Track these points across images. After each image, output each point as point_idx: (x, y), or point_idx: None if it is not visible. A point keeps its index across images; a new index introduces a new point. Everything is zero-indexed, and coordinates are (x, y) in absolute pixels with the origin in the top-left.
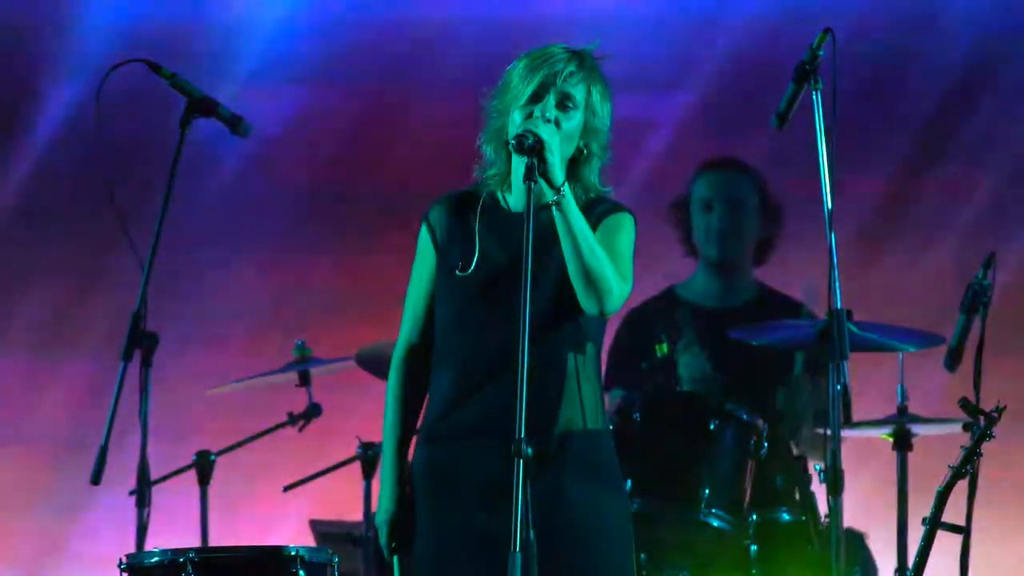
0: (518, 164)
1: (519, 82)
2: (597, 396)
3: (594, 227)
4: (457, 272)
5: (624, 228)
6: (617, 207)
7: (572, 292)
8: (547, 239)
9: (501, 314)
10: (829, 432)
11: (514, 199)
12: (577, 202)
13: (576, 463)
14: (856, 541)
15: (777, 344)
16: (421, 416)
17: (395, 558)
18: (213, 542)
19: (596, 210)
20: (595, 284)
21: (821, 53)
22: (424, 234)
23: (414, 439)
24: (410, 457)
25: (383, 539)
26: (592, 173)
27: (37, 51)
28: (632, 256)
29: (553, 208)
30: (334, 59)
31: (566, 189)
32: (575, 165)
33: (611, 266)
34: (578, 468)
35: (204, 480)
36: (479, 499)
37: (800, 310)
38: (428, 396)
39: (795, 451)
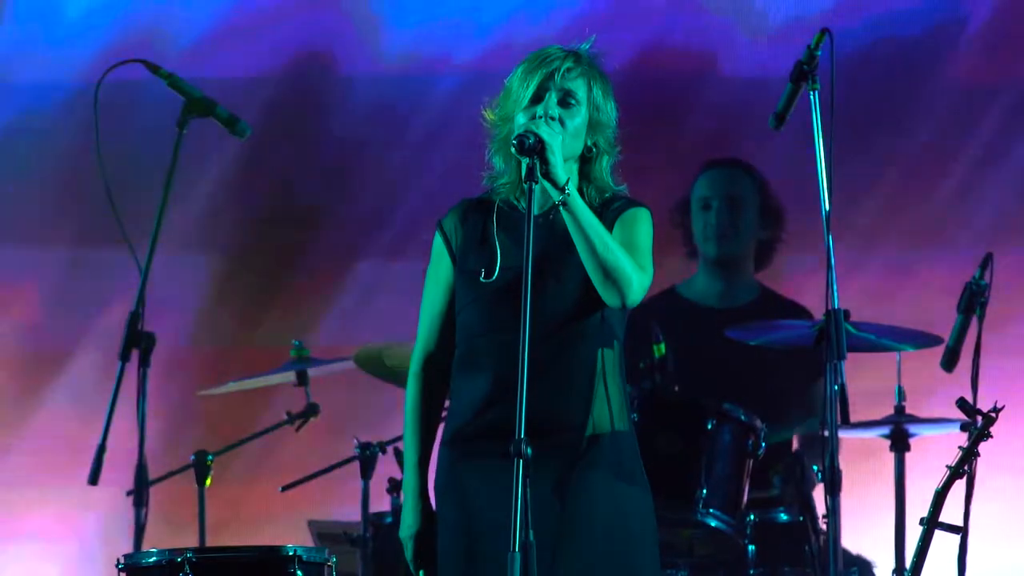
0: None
1: (519, 86)
2: (623, 395)
3: (611, 224)
4: (481, 279)
5: (640, 221)
6: (632, 203)
7: (595, 288)
8: (567, 237)
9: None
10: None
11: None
12: (592, 202)
13: (604, 465)
14: (864, 570)
15: (776, 344)
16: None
17: (421, 573)
18: (211, 542)
19: (611, 207)
20: (613, 277)
21: (819, 53)
22: (439, 242)
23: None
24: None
25: (409, 555)
26: (604, 170)
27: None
28: (651, 248)
29: (560, 208)
30: (342, 58)
31: (571, 188)
32: (586, 164)
33: (627, 258)
34: (606, 470)
35: (202, 480)
36: (507, 498)
37: (805, 315)
38: (451, 401)
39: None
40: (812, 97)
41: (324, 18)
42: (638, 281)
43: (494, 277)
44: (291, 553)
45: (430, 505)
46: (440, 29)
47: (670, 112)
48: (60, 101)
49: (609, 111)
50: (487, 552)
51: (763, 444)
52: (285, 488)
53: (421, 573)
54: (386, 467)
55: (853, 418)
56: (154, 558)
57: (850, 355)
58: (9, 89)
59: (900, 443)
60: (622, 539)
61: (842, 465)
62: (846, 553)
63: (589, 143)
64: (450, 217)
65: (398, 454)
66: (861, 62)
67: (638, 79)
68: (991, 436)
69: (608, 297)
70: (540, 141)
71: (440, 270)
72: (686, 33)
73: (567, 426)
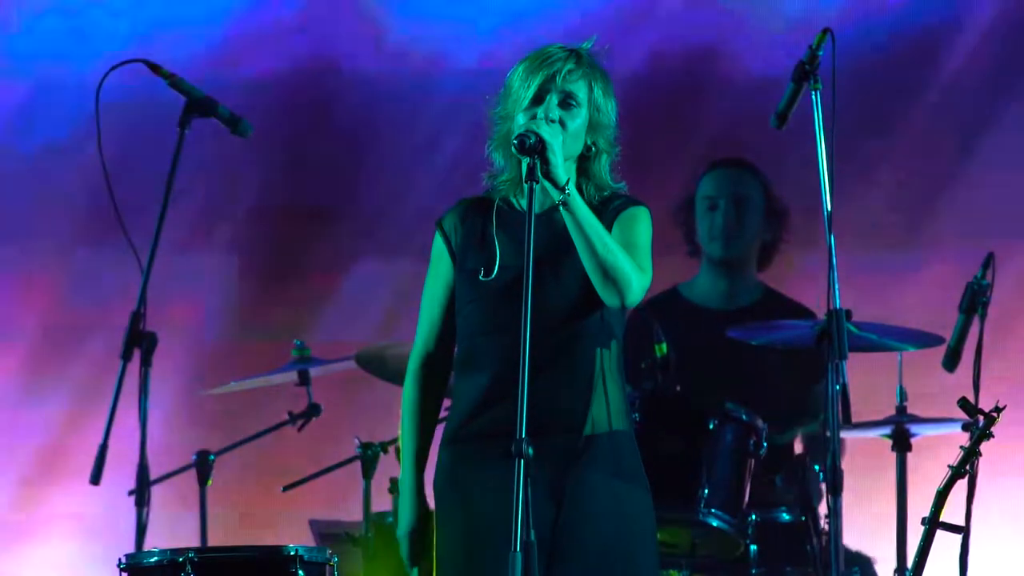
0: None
1: (520, 86)
2: (622, 395)
3: (610, 223)
4: (480, 277)
5: (640, 221)
6: (631, 201)
7: (595, 288)
8: (566, 236)
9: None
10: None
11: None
12: (591, 200)
13: (604, 464)
14: (864, 567)
15: (777, 344)
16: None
17: (415, 570)
18: (212, 542)
19: (611, 206)
20: (613, 277)
21: (821, 53)
22: (439, 241)
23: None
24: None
25: (404, 551)
26: (603, 170)
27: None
28: (650, 247)
29: (560, 208)
30: (346, 55)
31: (571, 188)
32: (585, 163)
33: (627, 258)
34: (605, 469)
35: (203, 480)
36: (509, 497)
37: (808, 316)
38: (452, 401)
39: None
40: (814, 97)
41: (329, 15)
42: (637, 281)
43: (493, 276)
44: (293, 553)
45: (426, 503)
46: (445, 27)
47: (676, 109)
48: (62, 100)
49: (609, 111)
50: (487, 553)
51: (764, 444)
52: (287, 488)
53: (415, 571)
54: (387, 467)
55: (855, 418)
56: (156, 558)
57: (852, 355)
58: (10, 87)
59: (902, 443)
60: (621, 539)
61: (844, 465)
62: (846, 550)
63: (589, 143)
64: (449, 216)
65: (399, 454)
66: (864, 61)
67: (645, 74)
68: (992, 436)
69: (607, 297)
70: (541, 141)
71: (440, 269)
72: (694, 31)
73: (565, 426)
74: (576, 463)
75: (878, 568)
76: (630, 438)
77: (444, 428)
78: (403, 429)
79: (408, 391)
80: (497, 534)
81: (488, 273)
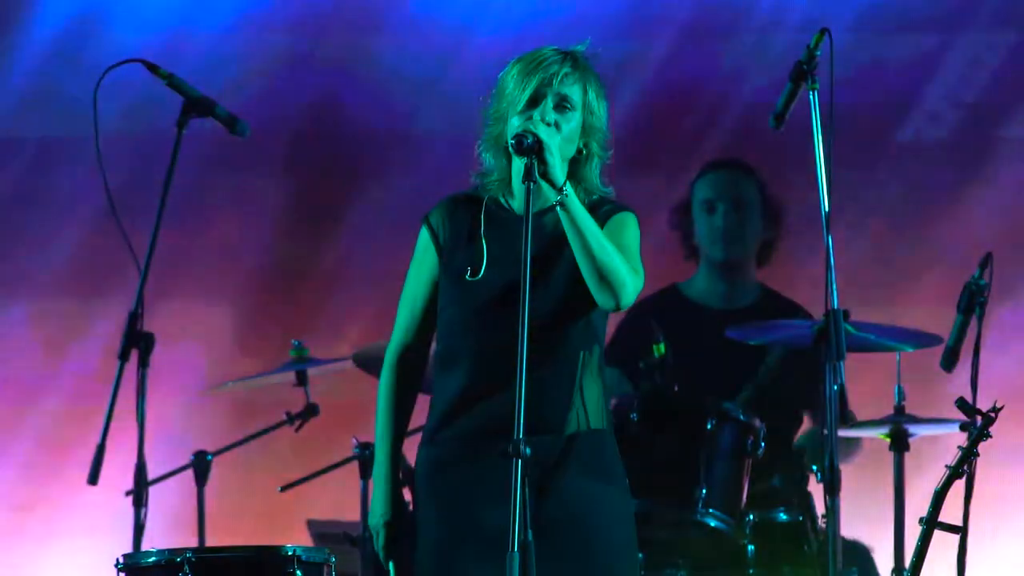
0: (520, 167)
1: (515, 88)
2: (602, 394)
3: (599, 227)
4: (467, 277)
5: (628, 225)
6: (619, 207)
7: (583, 291)
8: (555, 239)
9: (512, 316)
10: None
11: (517, 202)
12: (580, 203)
13: (581, 463)
14: (862, 554)
15: (775, 344)
16: (419, 416)
17: (391, 564)
18: (210, 542)
19: (599, 211)
20: (608, 279)
21: (819, 53)
22: (425, 236)
23: (415, 440)
24: (409, 458)
25: (379, 543)
26: (593, 173)
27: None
28: (639, 251)
29: (558, 208)
30: (339, 57)
31: (568, 188)
32: (576, 166)
33: (622, 259)
34: (582, 468)
35: (201, 480)
36: (490, 498)
37: (803, 314)
38: (432, 399)
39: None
40: (811, 97)
41: (330, 16)
42: (632, 283)
43: (480, 276)
44: (290, 553)
45: (401, 494)
46: (445, 31)
47: (673, 111)
48: (61, 99)
49: (602, 114)
50: (468, 553)
51: (762, 444)
52: (284, 488)
53: (391, 564)
54: None
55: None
56: (153, 558)
57: (849, 355)
58: (9, 89)
59: (900, 443)
60: (599, 538)
61: (841, 465)
62: (844, 540)
63: (580, 145)
64: (437, 212)
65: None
66: (863, 61)
67: (646, 74)
68: (990, 436)
69: (602, 299)
70: (538, 141)
71: (424, 264)
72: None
73: (547, 426)
74: (556, 462)
75: (876, 556)
76: (609, 436)
77: (424, 426)
78: (378, 420)
79: (384, 383)
80: (479, 534)
81: (475, 273)
